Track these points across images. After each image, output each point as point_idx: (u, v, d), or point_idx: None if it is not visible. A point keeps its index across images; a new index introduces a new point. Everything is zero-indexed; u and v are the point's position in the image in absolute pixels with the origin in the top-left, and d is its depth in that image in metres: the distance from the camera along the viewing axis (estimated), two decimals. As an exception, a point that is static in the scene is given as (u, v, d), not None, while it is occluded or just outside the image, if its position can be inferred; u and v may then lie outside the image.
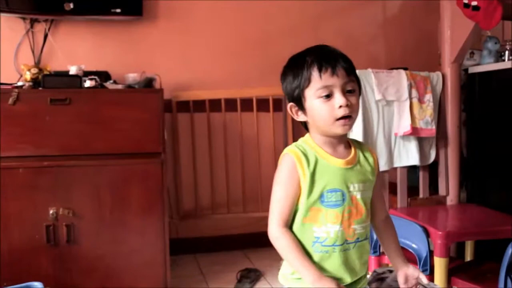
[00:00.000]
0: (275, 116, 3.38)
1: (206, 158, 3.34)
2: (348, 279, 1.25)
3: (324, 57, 1.21)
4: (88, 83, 2.68)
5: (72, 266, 2.52)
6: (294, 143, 1.30)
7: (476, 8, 2.46)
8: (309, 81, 1.21)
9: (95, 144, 2.57)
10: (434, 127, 2.58)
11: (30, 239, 2.46)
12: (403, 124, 2.52)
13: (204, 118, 3.31)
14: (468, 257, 2.46)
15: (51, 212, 2.47)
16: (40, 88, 2.60)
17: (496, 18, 2.41)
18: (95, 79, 2.72)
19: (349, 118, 1.22)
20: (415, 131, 2.52)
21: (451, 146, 2.70)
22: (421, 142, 2.62)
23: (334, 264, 1.23)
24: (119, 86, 2.81)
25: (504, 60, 2.65)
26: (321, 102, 1.21)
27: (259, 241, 3.49)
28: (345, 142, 1.30)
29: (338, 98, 1.20)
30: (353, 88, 1.23)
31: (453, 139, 2.70)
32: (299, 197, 1.23)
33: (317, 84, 1.20)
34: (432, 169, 2.73)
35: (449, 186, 2.69)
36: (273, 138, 3.38)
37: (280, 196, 1.24)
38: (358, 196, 1.25)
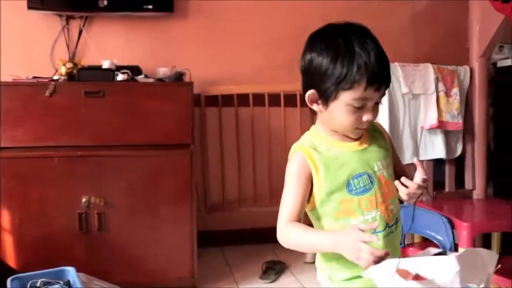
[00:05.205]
0: (302, 112, 3.41)
1: (234, 152, 3.40)
2: None
3: (378, 66, 1.10)
4: (120, 77, 2.77)
5: (102, 253, 2.60)
6: (301, 138, 1.24)
7: (505, 0, 2.44)
8: (351, 86, 1.09)
9: (127, 135, 2.66)
10: (460, 120, 2.58)
11: (63, 226, 2.56)
12: (430, 118, 2.53)
13: (232, 113, 3.37)
14: (495, 250, 2.44)
15: (83, 200, 2.56)
16: (75, 81, 2.71)
17: (525, 11, 2.40)
18: (127, 73, 2.81)
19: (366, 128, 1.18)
20: (441, 125, 2.53)
21: (478, 140, 2.69)
22: (448, 136, 2.62)
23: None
24: (150, 80, 2.89)
25: (534, 54, 2.64)
26: (350, 110, 1.13)
27: (285, 234, 3.55)
28: None
29: (369, 114, 1.13)
30: (380, 101, 1.17)
31: (480, 133, 2.69)
32: (311, 192, 1.17)
33: (358, 94, 1.10)
34: (459, 163, 2.73)
35: (476, 181, 2.68)
36: (300, 133, 3.37)
37: (288, 195, 1.17)
38: (385, 174, 1.19)
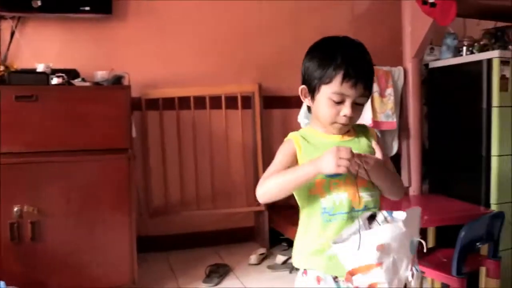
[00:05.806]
0: (244, 113, 3.43)
1: (176, 156, 3.36)
2: None
3: (353, 65, 1.25)
4: (55, 81, 2.68)
5: (37, 264, 2.49)
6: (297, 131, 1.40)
7: (433, 4, 2.54)
8: (330, 80, 1.26)
9: (62, 140, 2.56)
10: (395, 120, 2.66)
11: (-7, 237, 2.44)
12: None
13: (174, 116, 3.34)
14: (430, 244, 2.52)
15: (15, 209, 2.44)
16: (6, 85, 2.59)
17: (451, 15, 2.50)
18: (62, 76, 2.72)
19: (346, 125, 1.31)
20: (376, 125, 2.59)
21: (413, 138, 2.78)
22: (384, 135, 2.69)
23: (339, 229, 1.25)
24: (87, 84, 2.81)
25: (462, 55, 2.74)
26: (330, 103, 1.27)
27: (229, 237, 3.55)
28: None
29: (346, 109, 1.27)
30: (362, 103, 1.30)
31: (415, 131, 2.78)
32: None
33: (335, 88, 1.25)
34: (395, 162, 2.80)
35: (412, 178, 2.77)
36: (242, 135, 3.42)
37: (272, 164, 1.32)
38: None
